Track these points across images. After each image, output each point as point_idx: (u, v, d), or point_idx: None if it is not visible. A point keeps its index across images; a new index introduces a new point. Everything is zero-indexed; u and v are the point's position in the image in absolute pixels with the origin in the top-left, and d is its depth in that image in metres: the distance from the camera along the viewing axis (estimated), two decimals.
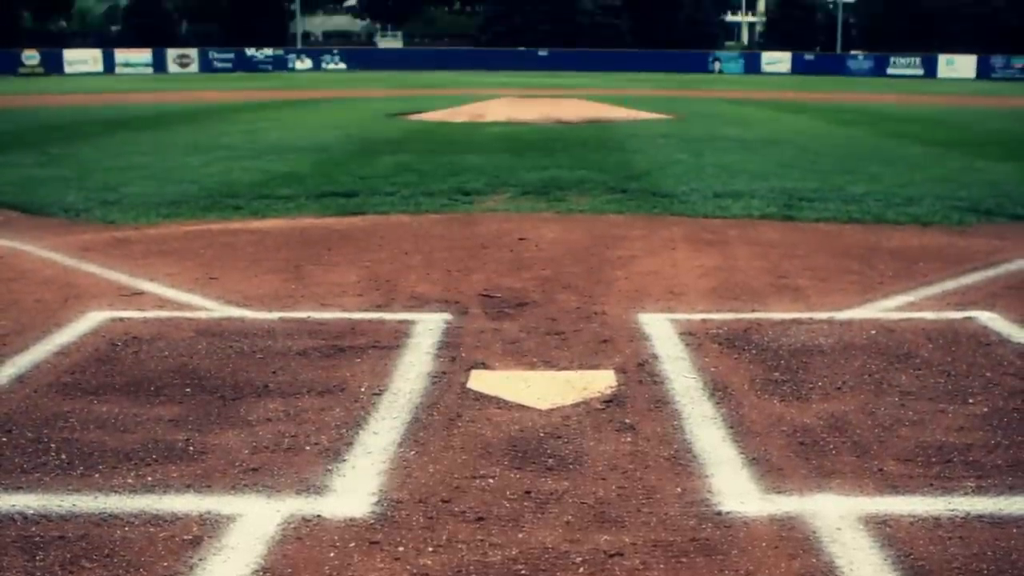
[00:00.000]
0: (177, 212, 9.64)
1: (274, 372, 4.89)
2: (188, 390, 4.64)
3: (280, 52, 77.01)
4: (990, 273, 7.15)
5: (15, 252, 7.84)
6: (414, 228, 8.85)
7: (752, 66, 76.17)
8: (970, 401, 4.54)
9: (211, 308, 6.08)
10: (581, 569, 3.05)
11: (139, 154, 14.83)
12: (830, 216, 9.46)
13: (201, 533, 3.25)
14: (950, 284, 6.80)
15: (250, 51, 74.99)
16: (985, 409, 4.44)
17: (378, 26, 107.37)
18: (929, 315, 5.98)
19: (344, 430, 4.16)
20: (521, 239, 8.26)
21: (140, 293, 6.44)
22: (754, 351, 5.25)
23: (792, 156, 14.58)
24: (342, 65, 76.25)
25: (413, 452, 3.93)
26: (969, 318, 5.91)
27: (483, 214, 9.56)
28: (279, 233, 8.62)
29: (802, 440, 4.07)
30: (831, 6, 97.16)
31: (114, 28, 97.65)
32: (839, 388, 4.70)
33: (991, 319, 5.89)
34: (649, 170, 12.75)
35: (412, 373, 4.86)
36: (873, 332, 5.61)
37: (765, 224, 9.10)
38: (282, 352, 5.20)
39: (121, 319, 5.82)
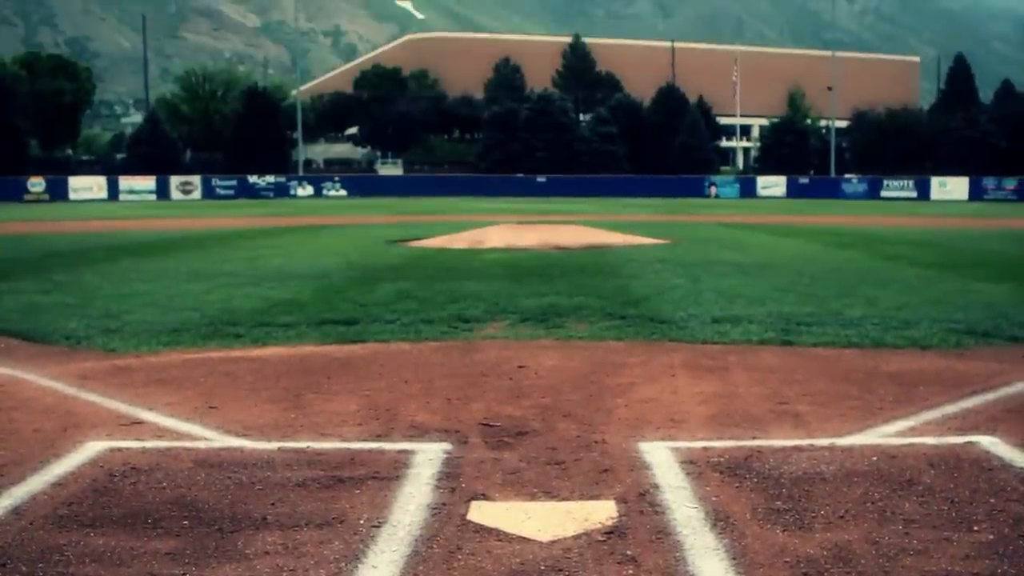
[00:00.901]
0: (178, 340, 9.68)
1: (273, 504, 4.86)
2: (186, 522, 4.60)
3: (282, 179, 78.19)
4: (990, 397, 7.16)
5: (16, 380, 7.85)
6: (414, 356, 8.87)
7: (748, 190, 77.26)
8: (975, 529, 4.51)
9: (210, 438, 6.07)
10: None
11: (141, 281, 14.93)
12: (828, 341, 9.50)
13: None
14: (950, 408, 6.79)
15: (252, 178, 76.14)
16: (990, 537, 4.41)
17: (378, 153, 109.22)
18: (931, 440, 5.97)
19: (343, 564, 4.12)
20: (520, 367, 8.27)
21: (139, 422, 6.43)
22: (756, 479, 5.23)
23: (789, 280, 14.68)
24: (343, 192, 77.35)
25: None
26: (971, 443, 5.90)
27: (482, 341, 9.60)
28: (279, 361, 8.64)
29: (806, 571, 4.02)
30: (824, 131, 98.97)
31: (119, 156, 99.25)
32: (842, 517, 4.67)
33: (993, 444, 5.88)
34: (647, 296, 12.83)
35: (412, 505, 4.83)
36: (875, 459, 5.59)
37: (764, 349, 9.13)
38: (281, 483, 5.18)
39: (120, 449, 5.81)
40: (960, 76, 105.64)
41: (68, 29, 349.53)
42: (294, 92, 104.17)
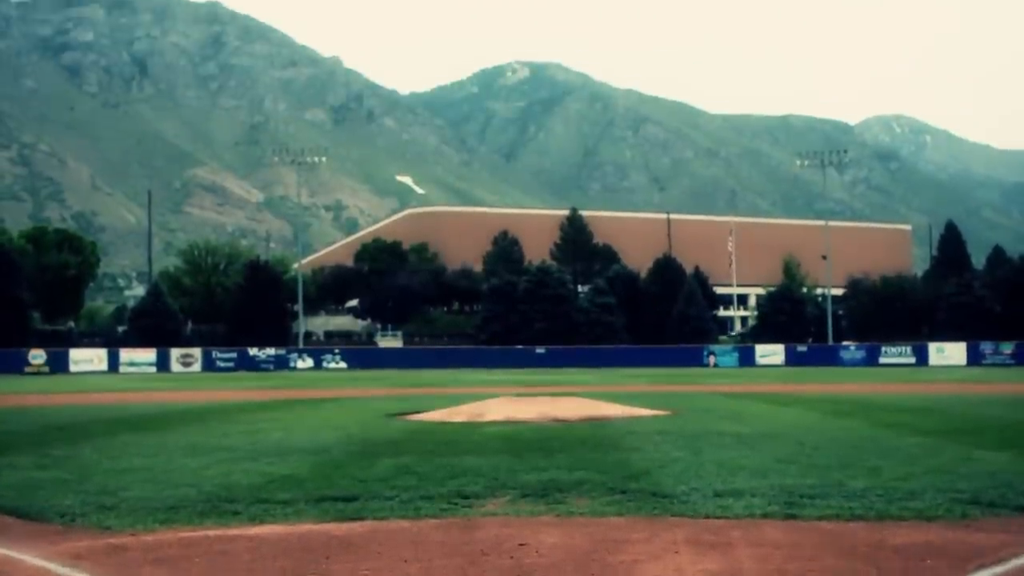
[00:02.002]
0: (174, 518, 9.56)
1: None
2: None
3: (282, 351, 78.50)
4: (998, 570, 7.05)
5: (9, 560, 7.74)
6: (413, 534, 8.76)
7: (746, 359, 77.46)
8: None
9: None
10: None
11: (139, 455, 14.84)
12: (832, 514, 9.39)
13: None
14: None
15: (253, 351, 76.44)
16: None
17: (378, 326, 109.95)
18: None
19: None
20: (521, 545, 8.16)
21: None
22: None
23: (790, 451, 14.60)
24: (343, 364, 77.54)
25: None
26: None
27: (483, 518, 9.49)
28: (277, 540, 8.52)
29: None
30: (820, 299, 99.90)
31: (120, 328, 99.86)
32: None
33: None
34: (648, 469, 12.74)
35: None
36: None
37: (767, 524, 9.02)
38: None
39: None
40: (951, 243, 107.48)
41: (75, 204, 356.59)
42: (295, 265, 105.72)
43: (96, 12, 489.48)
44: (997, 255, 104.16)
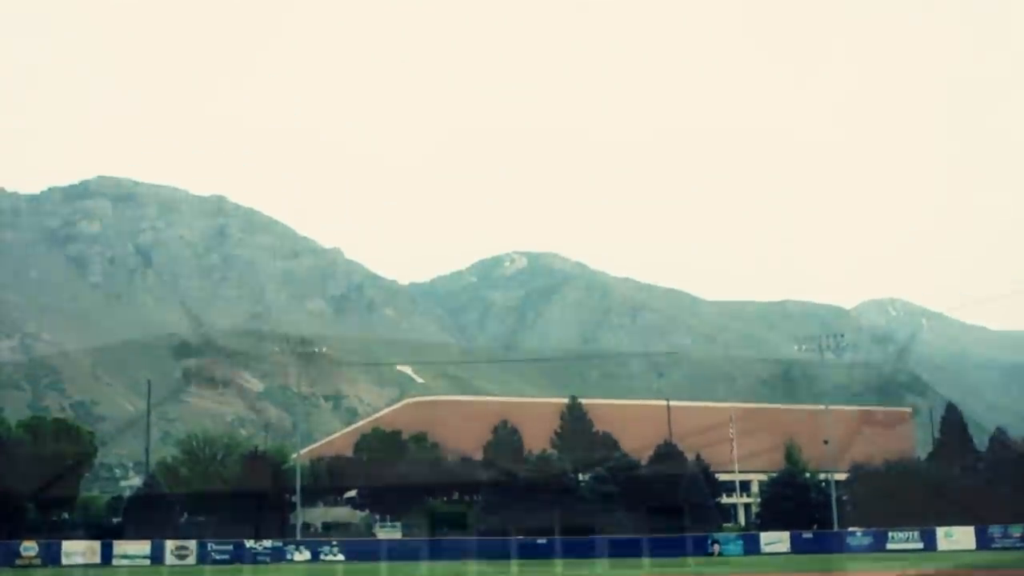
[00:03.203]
0: None
1: None
2: None
3: (279, 543, 77.16)
4: None
5: None
6: None
7: (751, 547, 76.18)
8: None
9: None
10: None
11: None
12: None
13: None
14: None
15: (249, 543, 75.18)
16: None
17: (377, 517, 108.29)
18: None
19: None
20: None
21: None
22: None
23: None
24: (340, 556, 76.12)
25: None
26: None
27: None
28: None
29: None
30: (823, 484, 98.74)
31: (115, 520, 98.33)
32: None
33: None
34: None
35: None
36: None
37: None
38: None
39: None
40: (953, 425, 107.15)
41: (74, 393, 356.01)
42: (294, 456, 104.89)
43: (103, 204, 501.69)
44: (1000, 436, 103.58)
